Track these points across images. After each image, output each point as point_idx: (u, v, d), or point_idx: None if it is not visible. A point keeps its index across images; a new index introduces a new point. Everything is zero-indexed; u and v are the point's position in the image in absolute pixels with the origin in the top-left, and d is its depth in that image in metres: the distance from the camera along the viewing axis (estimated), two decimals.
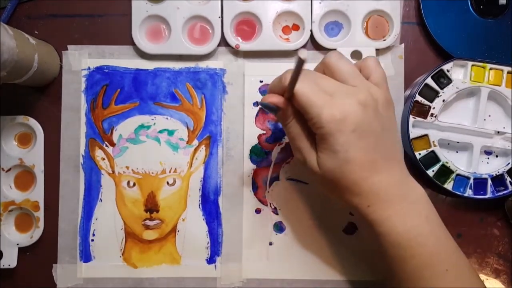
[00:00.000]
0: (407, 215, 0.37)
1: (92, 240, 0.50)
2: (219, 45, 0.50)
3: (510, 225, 0.50)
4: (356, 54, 0.49)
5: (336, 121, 0.34)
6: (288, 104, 0.37)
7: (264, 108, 0.39)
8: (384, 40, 0.49)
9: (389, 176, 0.37)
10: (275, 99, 0.37)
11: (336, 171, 0.36)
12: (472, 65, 0.48)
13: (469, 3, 0.49)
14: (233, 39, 0.49)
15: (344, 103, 0.35)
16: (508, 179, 0.48)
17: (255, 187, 0.50)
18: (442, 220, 0.50)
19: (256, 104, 0.50)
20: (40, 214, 0.49)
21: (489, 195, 0.47)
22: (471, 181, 0.48)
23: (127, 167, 0.50)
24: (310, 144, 0.38)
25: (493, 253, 0.50)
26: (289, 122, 0.38)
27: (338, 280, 0.49)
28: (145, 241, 0.50)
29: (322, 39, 0.49)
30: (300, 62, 0.31)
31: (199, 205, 0.50)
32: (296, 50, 0.48)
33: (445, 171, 0.48)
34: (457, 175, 0.48)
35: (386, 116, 0.38)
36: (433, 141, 0.48)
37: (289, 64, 0.50)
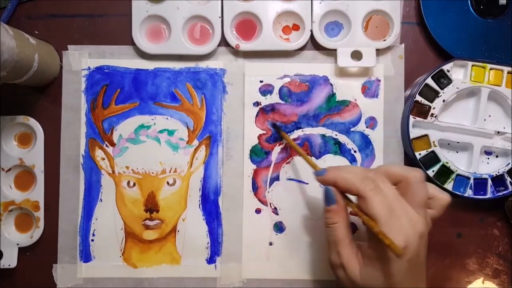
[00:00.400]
0: None
1: (92, 240, 0.50)
2: (219, 45, 0.50)
3: (510, 225, 0.50)
4: (356, 54, 0.49)
5: (402, 247, 0.35)
6: (344, 205, 0.38)
7: (326, 192, 0.39)
8: (384, 40, 0.49)
9: None
10: (338, 195, 0.39)
11: None
12: (472, 65, 0.48)
13: (469, 3, 0.49)
14: (233, 39, 0.49)
15: (408, 231, 0.36)
16: (508, 179, 0.48)
17: (255, 187, 0.50)
18: (442, 220, 0.50)
19: (256, 104, 0.50)
20: (40, 214, 0.49)
21: (489, 195, 0.47)
22: (471, 181, 0.48)
23: (127, 167, 0.50)
24: (352, 252, 0.38)
25: (493, 253, 0.50)
26: (336, 222, 0.38)
27: None
28: (145, 241, 0.50)
29: (322, 39, 0.49)
30: None
31: (199, 205, 0.50)
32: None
33: (445, 171, 0.48)
34: (457, 175, 0.48)
35: (422, 247, 0.38)
36: (433, 141, 0.48)
37: (289, 64, 0.50)
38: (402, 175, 0.38)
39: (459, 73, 0.48)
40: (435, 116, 0.48)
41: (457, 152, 0.49)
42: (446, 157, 0.48)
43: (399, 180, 0.39)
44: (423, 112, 0.48)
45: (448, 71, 0.48)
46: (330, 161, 0.49)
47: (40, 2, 0.51)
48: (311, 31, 0.49)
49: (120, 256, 0.50)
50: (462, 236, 0.50)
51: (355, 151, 0.49)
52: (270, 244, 0.49)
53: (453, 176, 0.48)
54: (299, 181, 0.50)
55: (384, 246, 0.35)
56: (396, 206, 0.36)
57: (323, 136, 0.49)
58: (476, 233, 0.50)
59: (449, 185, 0.47)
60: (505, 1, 0.49)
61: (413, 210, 0.37)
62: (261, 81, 0.50)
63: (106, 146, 0.50)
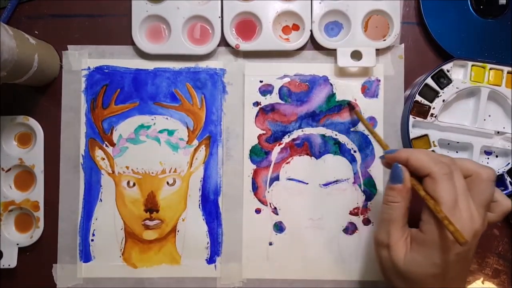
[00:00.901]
0: None
1: (92, 240, 0.50)
2: (219, 45, 0.50)
3: (510, 225, 0.50)
4: (356, 54, 0.49)
5: (469, 238, 0.35)
6: (409, 187, 0.38)
7: (394, 169, 0.38)
8: (384, 40, 0.49)
9: None
10: (407, 173, 0.38)
11: (422, 277, 0.36)
12: (472, 65, 0.48)
13: (469, 3, 0.49)
14: (233, 39, 0.49)
15: (465, 227, 0.35)
16: (508, 179, 0.48)
17: (255, 187, 0.50)
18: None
19: (256, 104, 0.50)
20: (40, 214, 0.49)
21: None
22: None
23: (127, 167, 0.50)
24: (402, 235, 0.38)
25: (493, 253, 0.50)
26: (398, 202, 0.38)
27: (338, 280, 0.49)
28: (145, 241, 0.49)
29: (322, 39, 0.49)
30: None
31: (199, 205, 0.50)
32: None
33: None
34: None
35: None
36: (433, 141, 0.48)
37: (289, 64, 0.50)
38: (475, 170, 0.38)
39: (459, 73, 0.48)
40: (435, 116, 0.48)
41: (457, 152, 0.49)
42: None
43: (470, 174, 0.38)
44: (423, 112, 0.48)
45: (448, 71, 0.48)
46: (330, 161, 0.49)
47: (40, 2, 0.51)
48: (311, 31, 0.49)
49: (120, 256, 0.50)
50: None
51: (355, 151, 0.49)
52: (270, 244, 0.49)
53: None
54: (299, 181, 0.50)
55: (440, 233, 0.35)
56: (462, 198, 0.36)
57: (323, 136, 0.49)
58: None
59: None
60: (504, 1, 0.49)
61: (475, 207, 0.36)
62: (261, 81, 0.50)
63: (106, 146, 0.50)
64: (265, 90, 0.50)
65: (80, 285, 0.49)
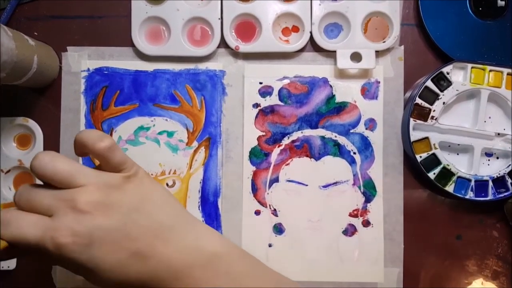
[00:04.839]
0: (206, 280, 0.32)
1: None
2: (218, 46, 0.50)
3: (509, 227, 0.49)
4: (356, 56, 0.49)
5: (66, 243, 0.29)
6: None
7: None
8: (384, 42, 0.49)
9: (175, 246, 0.32)
10: None
11: (116, 275, 0.30)
12: (472, 67, 0.48)
13: (468, 5, 0.49)
14: (233, 41, 0.49)
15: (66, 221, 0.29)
16: (509, 180, 0.47)
17: (254, 189, 0.50)
18: (441, 221, 0.50)
19: (255, 105, 0.50)
20: None
21: (490, 197, 0.47)
22: (472, 183, 0.48)
23: None
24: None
25: (492, 255, 0.50)
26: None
27: (338, 281, 0.49)
28: None
29: (322, 40, 0.49)
30: None
31: (199, 207, 0.50)
32: None
33: (446, 174, 0.48)
34: (458, 177, 0.48)
35: (126, 195, 0.32)
36: (434, 144, 0.48)
37: (289, 66, 0.50)
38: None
39: (459, 75, 0.48)
40: (436, 119, 0.48)
41: (457, 154, 0.49)
42: (447, 159, 0.48)
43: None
44: (423, 114, 0.48)
45: (448, 73, 0.48)
46: (329, 163, 0.49)
47: (40, 3, 0.51)
48: (311, 32, 0.49)
49: None
50: (462, 238, 0.50)
51: (354, 153, 0.49)
52: (270, 245, 0.49)
53: (454, 178, 0.48)
54: (299, 183, 0.50)
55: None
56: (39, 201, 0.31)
57: (322, 137, 0.49)
58: (476, 234, 0.50)
59: (450, 188, 0.47)
60: (503, 3, 0.49)
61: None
62: (260, 83, 0.50)
63: None
64: (265, 91, 0.50)
65: (80, 287, 0.49)
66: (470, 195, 0.47)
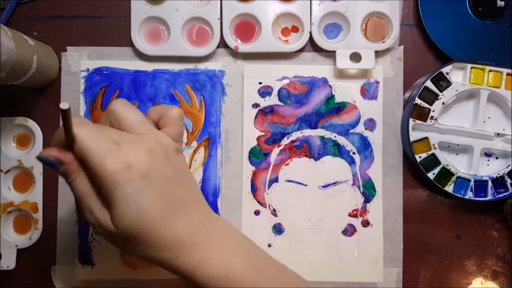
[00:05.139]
0: (219, 254, 0.34)
1: (91, 241, 0.50)
2: (218, 46, 0.50)
3: (509, 227, 0.50)
4: (355, 56, 0.49)
5: (122, 169, 0.31)
6: (71, 158, 0.32)
7: (45, 164, 0.33)
8: (383, 42, 0.49)
9: (191, 220, 0.34)
10: (55, 153, 0.32)
11: (133, 226, 0.32)
12: (471, 67, 0.48)
13: (467, 5, 0.49)
14: (232, 41, 0.49)
15: (130, 150, 0.32)
16: (509, 181, 0.48)
17: (254, 189, 0.50)
18: (441, 221, 0.50)
19: (255, 105, 0.50)
20: (39, 215, 0.49)
21: (489, 197, 0.47)
22: (472, 183, 0.48)
23: None
24: (102, 204, 0.33)
25: (492, 255, 0.50)
26: (74, 178, 0.33)
27: (337, 281, 0.49)
28: None
29: (321, 41, 0.49)
30: (64, 113, 0.30)
31: None
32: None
33: (445, 174, 0.48)
34: (458, 177, 0.48)
35: (178, 160, 0.35)
36: (433, 144, 0.48)
37: (288, 66, 0.50)
38: (106, 112, 0.35)
39: (458, 75, 0.48)
40: (435, 119, 0.48)
41: (457, 154, 0.49)
42: (446, 159, 0.48)
43: (108, 119, 0.35)
44: (422, 115, 0.48)
45: (447, 73, 0.48)
46: (329, 163, 0.49)
47: (39, 3, 0.51)
48: (310, 32, 0.49)
49: (119, 258, 0.49)
50: (461, 238, 0.50)
51: (354, 153, 0.49)
52: (269, 245, 0.49)
53: (454, 178, 0.48)
54: (298, 183, 0.50)
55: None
56: (109, 133, 0.33)
57: (322, 138, 0.49)
58: (475, 234, 0.50)
59: (449, 188, 0.47)
60: (503, 3, 0.49)
61: (130, 134, 0.34)
62: (260, 83, 0.50)
63: None
64: (264, 91, 0.50)
65: (79, 287, 0.49)
66: (469, 195, 0.47)
